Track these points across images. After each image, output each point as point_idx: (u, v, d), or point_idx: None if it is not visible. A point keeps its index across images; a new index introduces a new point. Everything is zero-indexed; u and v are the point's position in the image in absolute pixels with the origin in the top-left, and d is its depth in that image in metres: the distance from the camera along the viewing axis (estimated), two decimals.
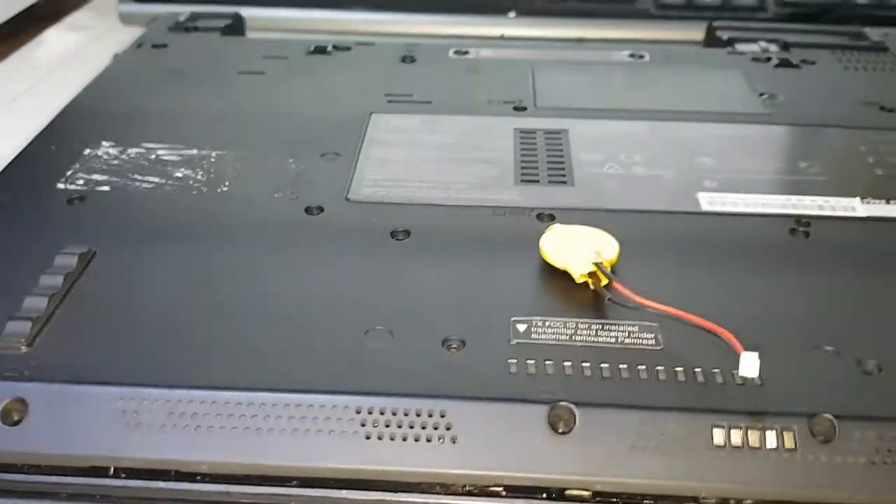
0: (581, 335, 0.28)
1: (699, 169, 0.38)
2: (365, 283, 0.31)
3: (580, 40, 0.59)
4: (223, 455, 0.25)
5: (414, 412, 0.25)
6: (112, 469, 0.26)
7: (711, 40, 0.56)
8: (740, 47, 0.53)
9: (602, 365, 0.27)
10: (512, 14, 0.61)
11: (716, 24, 0.57)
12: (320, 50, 0.51)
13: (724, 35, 0.55)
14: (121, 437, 0.25)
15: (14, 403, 0.26)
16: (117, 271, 0.31)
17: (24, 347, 0.27)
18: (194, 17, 0.57)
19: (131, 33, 0.60)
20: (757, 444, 0.25)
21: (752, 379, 0.26)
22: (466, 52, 0.51)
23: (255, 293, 0.30)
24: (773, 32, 0.54)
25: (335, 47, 0.51)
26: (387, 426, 0.25)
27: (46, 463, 0.26)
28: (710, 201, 0.36)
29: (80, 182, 0.37)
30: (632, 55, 0.50)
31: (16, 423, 0.26)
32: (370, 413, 0.25)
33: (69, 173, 0.37)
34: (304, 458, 0.25)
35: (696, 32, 0.58)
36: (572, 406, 0.25)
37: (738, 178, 0.37)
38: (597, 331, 0.28)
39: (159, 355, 0.27)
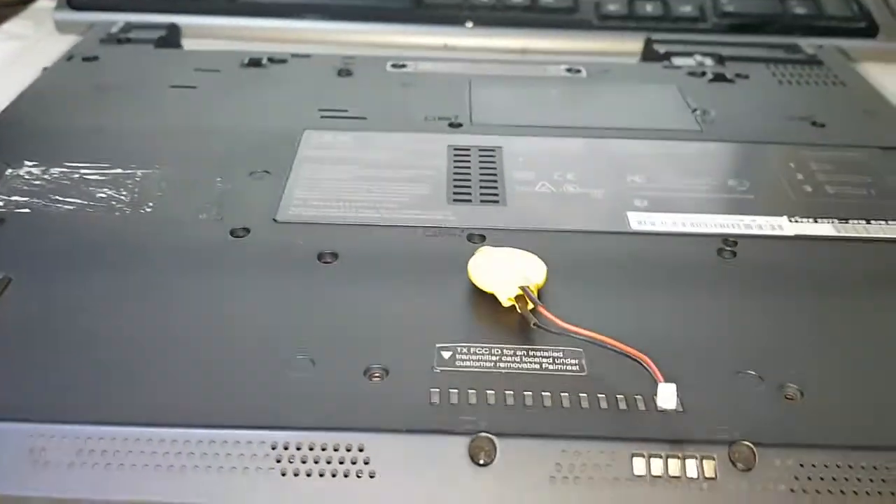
0: (505, 362, 0.28)
1: (630, 187, 0.38)
2: (289, 309, 0.30)
3: (522, 51, 0.59)
4: (135, 494, 0.25)
5: (331, 446, 0.25)
6: None
7: (649, 54, 0.56)
8: (676, 61, 0.53)
9: (525, 392, 0.27)
10: (469, 24, 0.61)
11: (653, 37, 0.57)
12: (255, 63, 0.50)
13: (661, 49, 0.55)
14: (28, 474, 0.25)
15: None
16: (32, 299, 0.30)
17: None
18: (127, 27, 0.56)
19: (67, 43, 0.59)
20: (677, 474, 0.25)
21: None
22: (404, 66, 0.50)
23: (175, 321, 0.29)
24: (710, 46, 0.55)
25: (270, 60, 0.50)
26: (303, 462, 0.25)
27: None
28: (639, 221, 0.36)
29: (0, 204, 0.35)
30: (569, 70, 0.50)
31: None
32: (286, 448, 0.25)
33: None
34: (219, 497, 0.25)
35: (638, 44, 0.58)
36: (493, 437, 0.25)
37: (669, 196, 0.37)
38: (521, 357, 0.28)
39: (71, 389, 0.26)
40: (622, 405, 0.26)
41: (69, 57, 0.51)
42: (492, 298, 0.30)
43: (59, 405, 0.26)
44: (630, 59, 0.57)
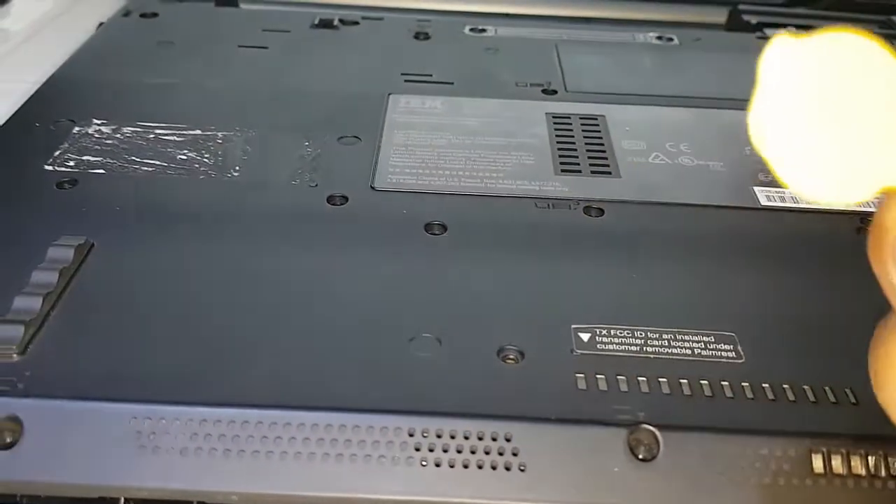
0: (652, 346, 0.25)
1: (751, 160, 0.35)
2: (403, 284, 0.27)
3: (596, 20, 0.56)
4: (255, 484, 0.22)
5: (475, 435, 0.22)
6: (123, 500, 0.22)
7: (735, 24, 0.53)
8: (770, 32, 0.50)
9: (681, 381, 0.24)
10: None
11: (741, 7, 0.54)
12: (326, 24, 0.47)
13: (752, 20, 0.52)
14: (134, 462, 0.22)
15: (7, 423, 0.22)
16: (119, 266, 0.27)
17: (15, 356, 0.24)
18: None
19: (112, 0, 0.56)
20: (861, 471, 0.22)
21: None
22: (483, 30, 0.47)
23: (280, 294, 0.27)
24: (799, 18, 0.52)
25: (342, 21, 0.47)
26: (444, 451, 0.22)
27: (46, 493, 0.22)
28: (767, 196, 0.33)
29: (71, 164, 0.33)
30: (659, 38, 0.47)
31: (9, 446, 0.22)
32: (424, 436, 0.22)
33: (57, 154, 0.33)
34: (350, 488, 0.22)
35: (718, 16, 0.55)
36: (655, 429, 0.22)
37: None
38: (669, 341, 0.25)
39: (175, 367, 0.24)
40: (790, 396, 0.24)
41: (126, 12, 0.48)
42: (625, 275, 0.28)
43: (168, 384, 0.23)
44: (711, 31, 0.54)
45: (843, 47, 0.12)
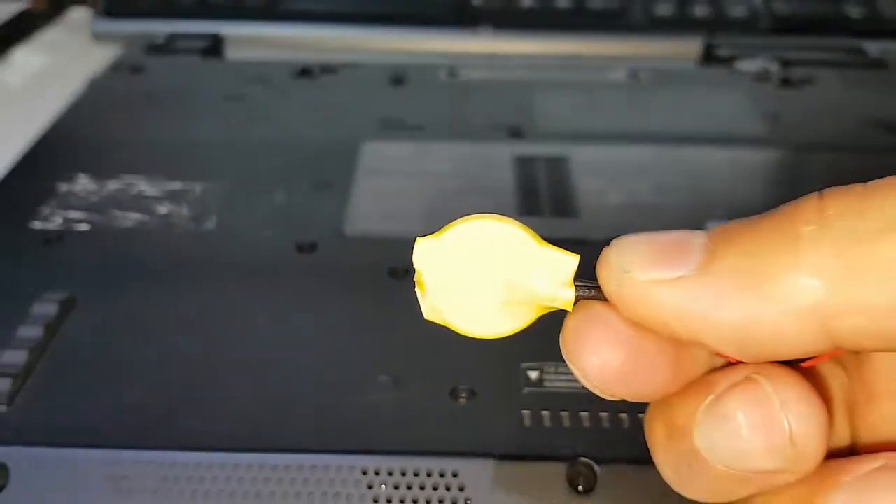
0: None
1: (707, 197, 0.37)
2: (365, 328, 0.29)
3: (572, 56, 0.58)
4: None
5: (424, 472, 0.24)
6: None
7: (708, 58, 0.55)
8: (740, 65, 0.52)
9: (620, 415, 0.25)
10: (487, 28, 0.59)
11: (712, 40, 0.55)
12: (306, 72, 0.49)
13: (724, 53, 0.53)
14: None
15: None
16: (100, 319, 0.29)
17: (3, 407, 0.25)
18: (172, 38, 0.55)
19: (105, 53, 0.58)
20: None
21: None
22: (458, 74, 0.49)
23: (249, 342, 0.28)
24: (771, 50, 0.53)
25: (321, 69, 0.49)
26: (396, 488, 0.24)
27: None
28: None
29: (58, 220, 0.35)
30: (630, 75, 0.49)
31: None
32: (377, 474, 0.24)
33: (46, 211, 0.35)
34: None
35: (690, 47, 0.57)
36: (592, 462, 0.24)
37: (747, 206, 0.36)
38: None
39: (149, 414, 0.26)
40: None
41: (115, 67, 0.50)
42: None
43: (140, 431, 0.25)
44: (683, 64, 0.56)
45: (472, 230, 0.16)
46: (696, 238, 0.14)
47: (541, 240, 0.16)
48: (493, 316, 0.16)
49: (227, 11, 0.60)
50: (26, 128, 0.47)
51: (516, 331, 0.16)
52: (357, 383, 0.26)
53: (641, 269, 0.14)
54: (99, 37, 0.61)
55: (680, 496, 0.23)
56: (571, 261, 0.16)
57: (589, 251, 0.33)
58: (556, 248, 0.16)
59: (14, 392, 0.26)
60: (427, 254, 0.16)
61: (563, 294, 0.15)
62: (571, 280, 0.15)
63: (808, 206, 0.14)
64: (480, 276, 0.16)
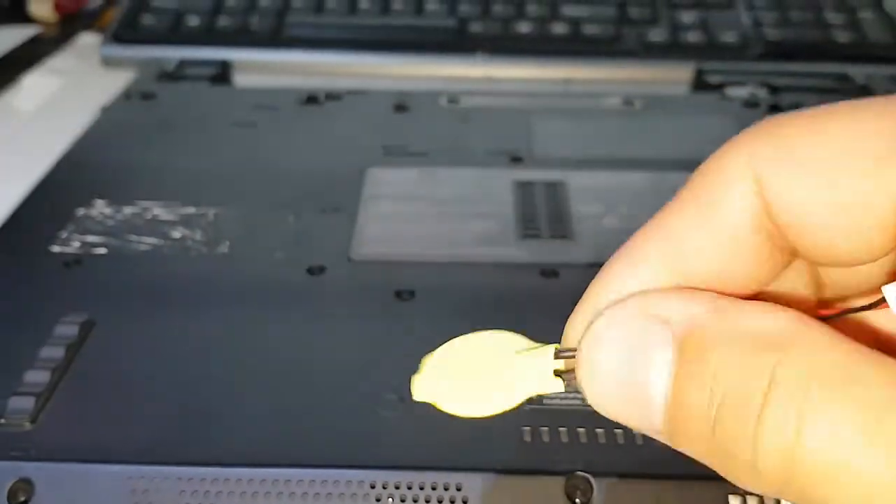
0: None
1: None
2: (372, 347, 0.31)
3: (567, 81, 0.60)
4: None
5: (430, 485, 0.25)
6: None
7: (700, 84, 0.56)
8: (730, 92, 0.53)
9: (616, 430, 0.27)
10: (482, 55, 0.61)
11: (704, 66, 0.57)
12: (312, 99, 0.50)
13: (714, 79, 0.55)
14: None
15: (21, 483, 0.25)
16: (118, 340, 0.31)
17: (28, 424, 0.27)
18: (182, 64, 0.57)
19: (114, 78, 0.60)
20: None
21: None
22: (459, 101, 0.51)
23: (261, 361, 0.30)
24: (760, 75, 0.55)
25: (327, 96, 0.51)
26: (402, 501, 0.25)
27: None
28: None
29: (76, 245, 0.36)
30: (624, 102, 0.51)
31: None
32: (384, 488, 0.25)
33: (64, 235, 0.37)
34: None
35: (682, 73, 0.59)
36: (589, 476, 0.25)
37: None
38: None
39: (166, 430, 0.27)
40: None
41: (127, 95, 0.51)
42: None
43: (159, 447, 0.26)
44: (676, 89, 0.58)
45: (478, 337, 0.18)
46: (656, 385, 0.15)
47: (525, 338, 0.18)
48: (479, 397, 0.18)
49: (234, 38, 0.62)
50: (40, 151, 0.49)
51: (499, 412, 0.17)
52: (365, 401, 0.28)
53: (611, 412, 0.16)
54: (108, 62, 0.63)
55: None
56: (550, 349, 0.17)
57: (584, 273, 0.34)
58: (535, 345, 0.17)
59: (38, 410, 0.27)
60: (429, 359, 0.18)
61: (549, 385, 0.17)
62: (550, 366, 0.17)
63: None
64: (473, 367, 0.18)
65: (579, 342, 0.16)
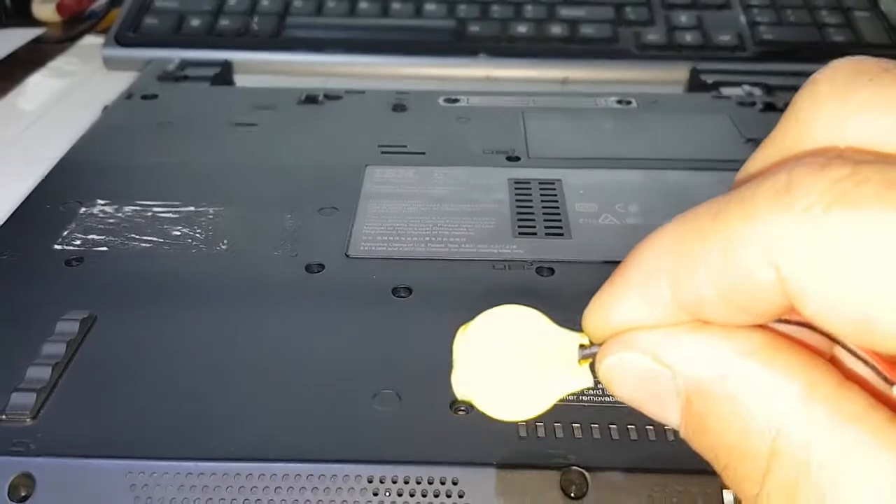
0: (588, 395, 0.28)
1: None
2: (370, 345, 0.31)
3: (564, 81, 0.60)
4: None
5: (427, 480, 0.25)
6: None
7: (695, 84, 0.57)
8: (725, 91, 0.54)
9: (611, 426, 0.27)
10: (480, 56, 0.62)
11: (699, 66, 0.58)
12: (311, 99, 0.51)
13: (709, 79, 0.55)
14: None
15: (21, 479, 0.26)
16: (119, 336, 0.31)
17: (29, 420, 0.27)
18: (183, 65, 0.57)
19: (116, 79, 0.60)
20: None
21: None
22: (456, 100, 0.51)
23: (260, 357, 0.30)
24: (756, 75, 0.55)
25: (326, 96, 0.51)
26: (399, 495, 0.25)
27: None
28: None
29: (78, 242, 0.36)
30: (619, 101, 0.51)
31: (24, 500, 0.25)
32: (382, 482, 0.25)
33: (65, 233, 0.37)
34: None
35: (679, 73, 0.59)
36: (584, 470, 0.26)
37: None
38: (602, 390, 0.28)
39: (166, 425, 0.27)
40: None
41: (128, 95, 0.52)
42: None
43: (158, 441, 0.26)
44: (672, 89, 0.58)
45: (505, 316, 0.18)
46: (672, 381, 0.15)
47: (551, 322, 0.18)
48: (517, 401, 0.18)
49: (235, 40, 0.62)
50: (43, 151, 0.49)
51: (537, 416, 0.18)
52: (363, 396, 0.28)
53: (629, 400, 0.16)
54: (109, 64, 0.63)
55: (660, 502, 0.25)
56: (576, 337, 0.17)
57: (580, 270, 0.35)
58: (566, 328, 0.17)
59: (39, 406, 0.28)
60: (462, 341, 0.18)
61: (579, 380, 0.18)
62: (577, 357, 0.17)
63: None
64: (506, 361, 0.18)
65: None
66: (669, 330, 0.15)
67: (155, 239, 0.37)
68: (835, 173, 0.13)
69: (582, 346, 0.17)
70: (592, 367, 0.17)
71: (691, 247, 0.15)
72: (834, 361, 0.15)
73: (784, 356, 0.14)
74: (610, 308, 0.16)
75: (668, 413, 0.16)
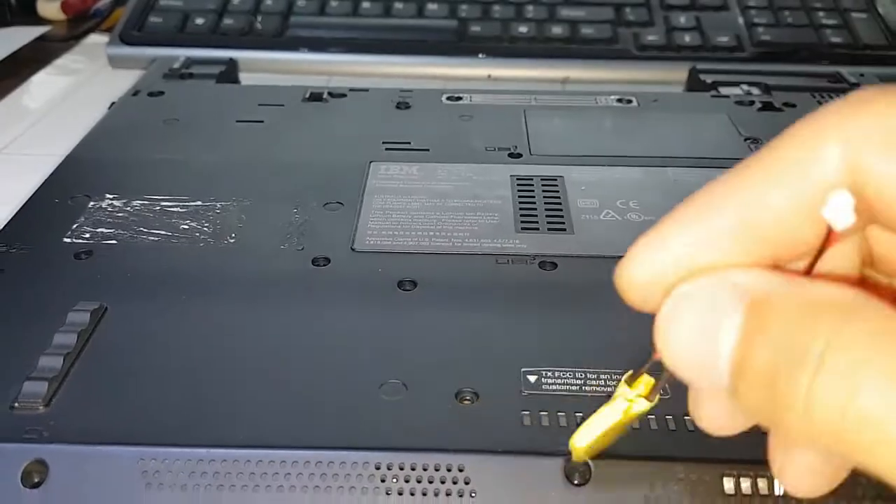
0: (591, 385, 0.29)
1: None
2: (376, 336, 0.31)
3: (564, 81, 0.61)
4: None
5: (433, 466, 0.26)
6: None
7: (694, 84, 0.57)
8: (723, 91, 0.54)
9: None
10: (481, 55, 0.62)
11: (698, 66, 0.58)
12: (316, 97, 0.51)
13: (708, 79, 0.56)
14: (143, 497, 0.26)
15: (35, 465, 0.26)
16: (129, 327, 0.32)
17: (41, 408, 0.28)
18: (189, 63, 0.58)
19: (121, 77, 0.61)
20: (766, 492, 0.26)
21: None
22: (459, 98, 0.52)
23: (267, 348, 0.31)
24: (754, 75, 0.56)
25: (331, 94, 0.52)
26: (406, 482, 0.26)
27: None
28: None
29: (87, 236, 0.37)
30: (619, 100, 0.52)
31: (37, 485, 0.26)
32: (389, 469, 0.26)
33: (75, 227, 0.38)
34: None
35: (678, 73, 0.60)
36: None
37: None
38: (605, 380, 0.29)
39: (176, 413, 0.28)
40: None
41: (135, 92, 0.52)
42: (570, 323, 0.32)
43: (170, 429, 0.27)
44: (672, 89, 0.59)
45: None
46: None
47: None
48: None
49: (238, 39, 0.63)
50: (49, 148, 0.50)
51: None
52: (370, 386, 0.29)
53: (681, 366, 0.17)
54: (114, 62, 0.64)
55: (661, 488, 0.26)
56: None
57: (582, 265, 0.35)
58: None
59: (51, 394, 0.28)
60: None
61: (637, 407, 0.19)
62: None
63: None
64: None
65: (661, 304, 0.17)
66: (741, 267, 0.16)
67: (163, 232, 0.37)
68: None
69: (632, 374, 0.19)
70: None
71: (753, 169, 0.16)
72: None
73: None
74: (664, 242, 0.17)
75: (720, 348, 0.16)
